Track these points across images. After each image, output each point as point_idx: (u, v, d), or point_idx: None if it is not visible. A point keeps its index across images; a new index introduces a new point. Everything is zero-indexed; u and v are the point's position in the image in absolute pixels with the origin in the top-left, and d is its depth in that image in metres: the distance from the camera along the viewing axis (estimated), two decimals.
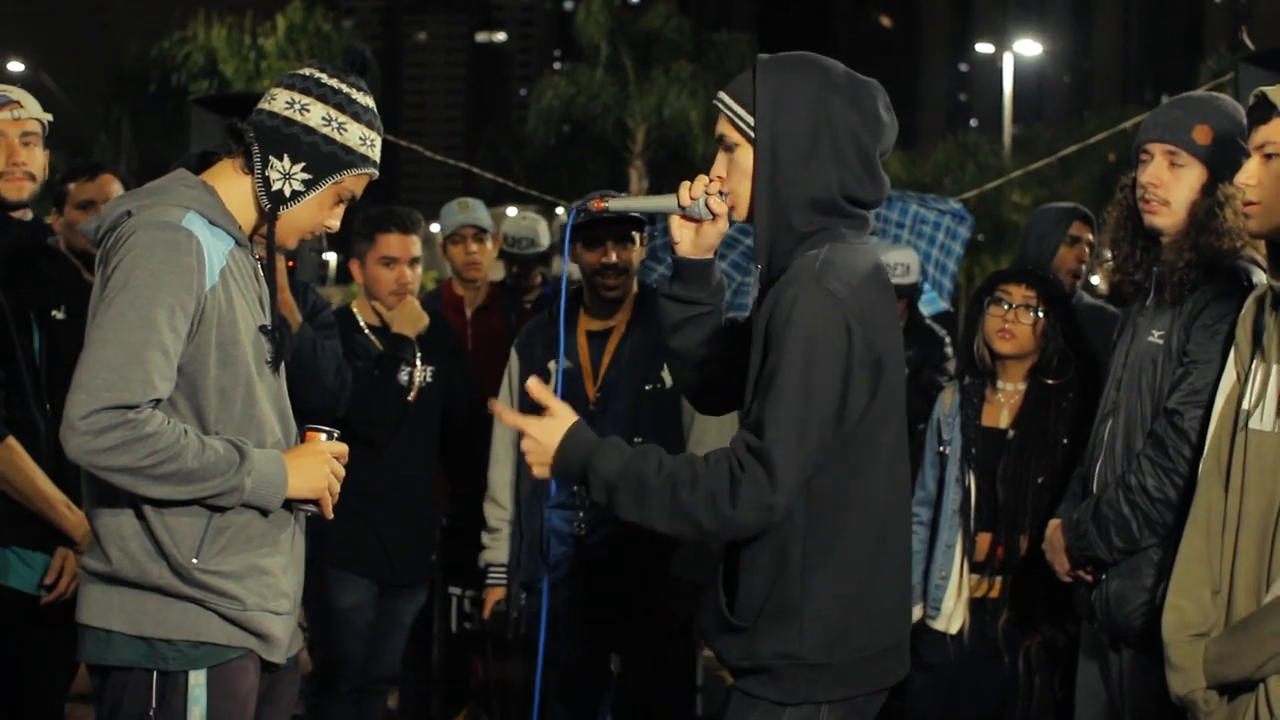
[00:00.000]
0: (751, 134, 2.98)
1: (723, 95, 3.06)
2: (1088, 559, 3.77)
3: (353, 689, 5.05)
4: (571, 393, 4.65)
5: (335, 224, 3.15)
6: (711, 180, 3.07)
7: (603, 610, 4.71)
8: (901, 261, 6.41)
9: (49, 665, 4.23)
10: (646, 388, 4.68)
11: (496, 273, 6.74)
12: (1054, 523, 3.96)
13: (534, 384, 2.94)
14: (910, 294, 6.43)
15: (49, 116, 4.19)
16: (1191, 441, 3.48)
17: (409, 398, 5.02)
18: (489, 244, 6.34)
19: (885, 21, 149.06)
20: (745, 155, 3.00)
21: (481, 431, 5.29)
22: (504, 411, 3.03)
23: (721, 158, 3.06)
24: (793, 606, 2.92)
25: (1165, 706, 3.30)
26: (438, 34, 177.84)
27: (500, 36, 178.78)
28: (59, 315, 4.16)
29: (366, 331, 5.08)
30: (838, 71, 3.01)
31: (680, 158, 34.79)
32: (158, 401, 2.82)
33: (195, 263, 2.86)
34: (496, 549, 4.97)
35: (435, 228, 7.07)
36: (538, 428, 2.92)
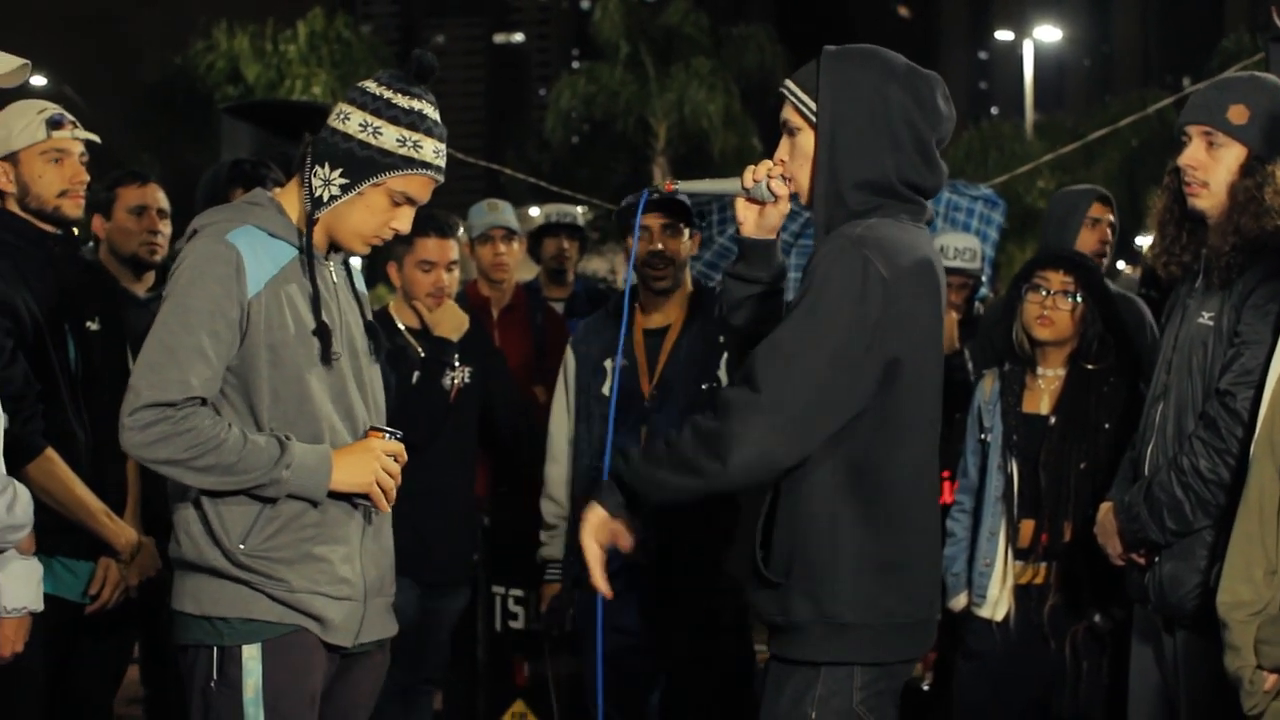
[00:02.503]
0: (813, 119, 3.14)
1: (788, 82, 3.23)
2: (1140, 541, 3.77)
3: (398, 688, 5.05)
4: (627, 390, 4.69)
5: (403, 226, 3.25)
6: (775, 163, 3.23)
7: (653, 606, 4.71)
8: (967, 246, 6.27)
9: (96, 672, 4.30)
10: (703, 387, 4.69)
11: (526, 272, 6.76)
12: (1105, 506, 3.96)
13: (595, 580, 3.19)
14: (973, 284, 6.28)
15: (96, 137, 4.24)
16: (1244, 422, 3.48)
17: (449, 400, 5.03)
18: (516, 245, 6.36)
19: (903, 11, 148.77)
20: (807, 139, 3.17)
21: (521, 431, 5.32)
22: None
23: (785, 142, 3.23)
24: (824, 564, 3.05)
25: (1220, 688, 3.32)
26: (455, 36, 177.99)
27: (518, 37, 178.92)
28: (93, 326, 4.21)
29: (405, 334, 5.09)
30: (898, 63, 3.18)
31: (702, 152, 34.75)
32: (203, 401, 3.07)
33: (234, 272, 3.08)
34: (553, 545, 5.00)
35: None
36: (588, 533, 3.15)
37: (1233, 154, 3.65)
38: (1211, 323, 3.65)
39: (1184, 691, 3.67)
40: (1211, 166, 3.67)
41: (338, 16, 33.07)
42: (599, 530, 3.13)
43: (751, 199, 3.28)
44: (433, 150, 3.20)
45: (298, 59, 30.73)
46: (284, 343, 3.13)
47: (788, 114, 3.20)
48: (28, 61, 3.06)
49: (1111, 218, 5.56)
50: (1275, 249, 3.55)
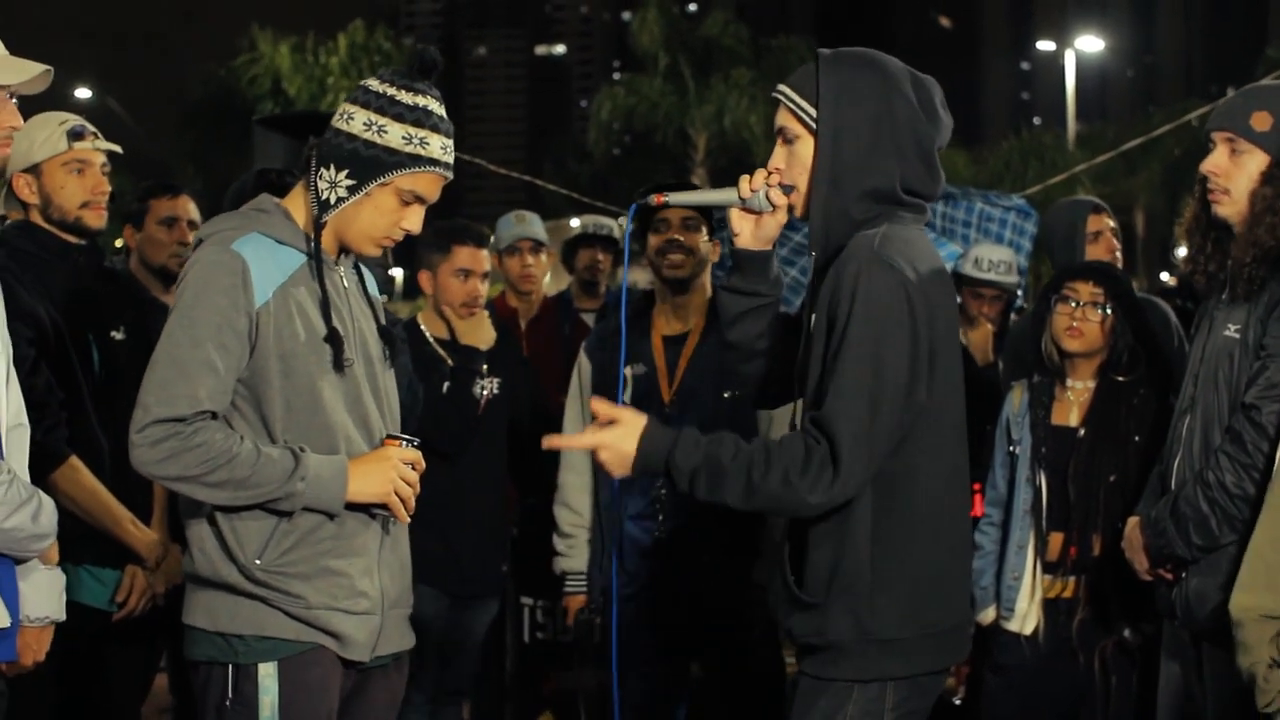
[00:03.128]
0: (814, 125, 3.03)
1: (784, 88, 3.12)
2: (1167, 556, 3.73)
3: (426, 699, 5.06)
4: (646, 397, 4.66)
5: (413, 226, 3.17)
6: (771, 172, 3.12)
7: (682, 618, 4.69)
8: (1002, 259, 6.19)
9: (124, 680, 4.30)
10: (725, 395, 4.65)
11: (560, 281, 6.77)
12: (1133, 520, 3.92)
13: (598, 405, 3.07)
14: (1008, 297, 6.22)
15: (117, 148, 4.27)
16: (1270, 436, 3.44)
17: (478, 410, 5.03)
18: (544, 257, 6.37)
19: (945, 22, 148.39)
20: (806, 147, 3.07)
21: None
22: (566, 440, 3.12)
23: (780, 150, 3.12)
24: (863, 581, 2.98)
25: (1248, 703, 3.28)
26: (497, 48, 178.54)
27: (559, 49, 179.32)
28: (118, 336, 4.22)
29: (434, 344, 5.09)
30: (898, 67, 3.09)
31: (743, 164, 34.74)
32: (213, 415, 3.01)
33: (240, 282, 3.01)
34: (573, 557, 4.96)
35: None
36: (611, 437, 3.02)
37: (1255, 161, 3.62)
38: (1237, 335, 3.61)
39: (1211, 707, 3.63)
40: (1233, 173, 3.64)
41: (378, 28, 33.25)
42: (622, 441, 3.00)
43: (748, 209, 3.17)
44: (440, 146, 3.12)
45: (339, 71, 30.90)
46: (295, 351, 3.06)
47: (784, 120, 3.09)
48: (49, 68, 3.07)
49: (1112, 224, 5.43)
50: None
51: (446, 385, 5.00)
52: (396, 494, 3.12)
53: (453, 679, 5.17)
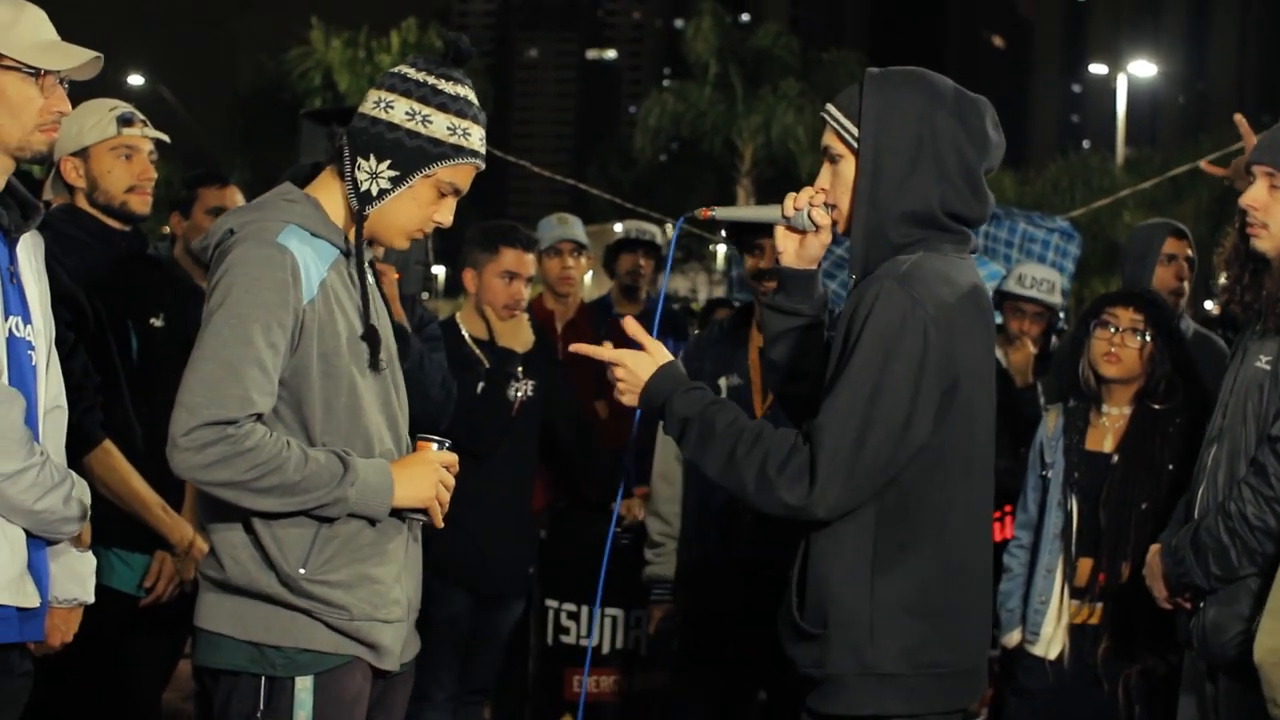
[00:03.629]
0: (855, 145, 3.00)
1: (830, 107, 3.08)
2: (1185, 586, 3.72)
3: (448, 698, 5.07)
4: (741, 408, 4.68)
5: (445, 219, 3.08)
6: (816, 192, 3.09)
7: (752, 639, 4.68)
8: (1045, 278, 6.17)
9: (148, 665, 4.31)
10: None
11: (600, 286, 6.78)
12: (1154, 548, 3.91)
13: (630, 323, 3.09)
14: (1050, 316, 6.18)
15: (165, 136, 4.30)
16: None
17: (512, 412, 5.04)
18: (584, 260, 6.38)
19: (997, 41, 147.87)
20: (849, 167, 3.03)
21: (581, 446, 5.32)
22: (591, 348, 3.14)
23: (826, 169, 3.09)
24: (862, 614, 2.91)
25: None
26: (548, 51, 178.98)
27: (610, 54, 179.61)
28: (157, 323, 4.23)
29: (471, 344, 5.10)
30: (946, 86, 3.03)
31: (788, 176, 34.72)
32: (259, 416, 2.87)
33: (290, 278, 2.89)
34: (661, 564, 4.95)
35: None
36: (632, 359, 3.05)
37: None
38: (1268, 367, 3.59)
39: None
40: (1272, 207, 3.63)
41: (431, 27, 33.37)
42: (640, 368, 3.03)
43: (792, 228, 3.13)
44: (479, 138, 3.04)
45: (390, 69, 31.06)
46: (336, 351, 2.95)
47: (829, 140, 3.05)
48: (99, 55, 3.08)
49: (1189, 252, 5.44)
50: None
51: (481, 385, 5.02)
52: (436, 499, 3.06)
53: (476, 678, 5.19)
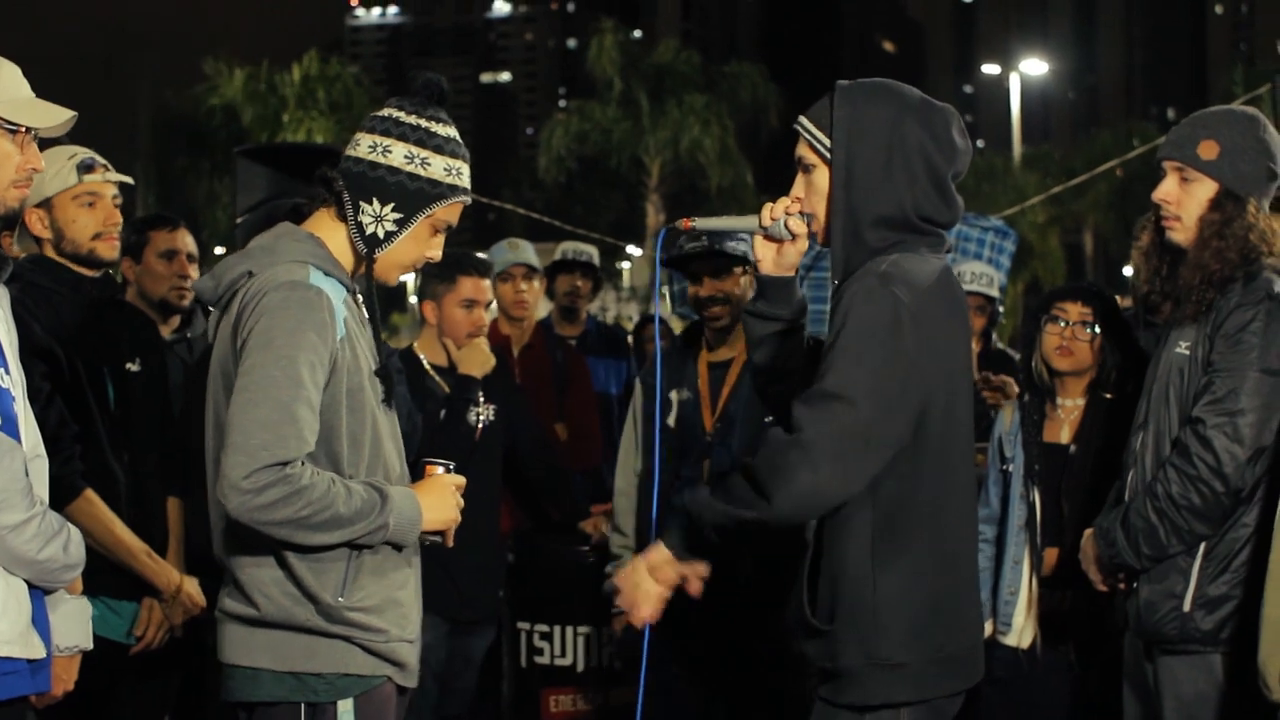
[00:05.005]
0: (829, 156, 3.11)
1: (802, 119, 3.20)
2: (1118, 566, 3.82)
3: None
4: (689, 423, 4.75)
5: (436, 254, 3.21)
6: (791, 201, 3.21)
7: (704, 640, 4.73)
8: (984, 272, 6.38)
9: (140, 713, 4.30)
10: (767, 420, 4.71)
11: (542, 312, 6.83)
12: (1088, 533, 4.00)
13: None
14: (990, 313, 6.36)
15: (129, 179, 4.29)
16: (1214, 449, 3.56)
17: (475, 438, 5.07)
18: (536, 283, 6.43)
19: (888, 46, 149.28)
20: (822, 176, 3.15)
21: (545, 468, 5.36)
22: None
23: (800, 179, 3.20)
24: (867, 607, 3.03)
25: (1197, 712, 3.48)
26: (443, 76, 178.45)
27: (505, 76, 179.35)
28: (133, 368, 4.22)
29: (433, 374, 5.13)
30: (912, 96, 3.15)
31: (696, 190, 34.89)
32: (309, 455, 2.95)
33: (328, 318, 2.99)
34: None
35: None
36: (643, 575, 3.16)
37: (1204, 189, 3.72)
38: (1188, 352, 3.72)
39: (1165, 715, 3.73)
40: (1184, 201, 3.75)
41: (332, 60, 33.19)
42: (660, 570, 3.13)
43: (769, 237, 3.25)
44: (468, 175, 3.19)
45: (294, 101, 30.85)
46: (359, 387, 3.06)
47: (802, 151, 3.18)
48: (75, 114, 3.11)
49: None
50: (1247, 279, 3.64)
51: (443, 413, 5.04)
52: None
53: (452, 704, 5.20)
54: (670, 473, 4.79)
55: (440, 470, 3.20)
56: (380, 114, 3.19)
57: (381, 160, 3.10)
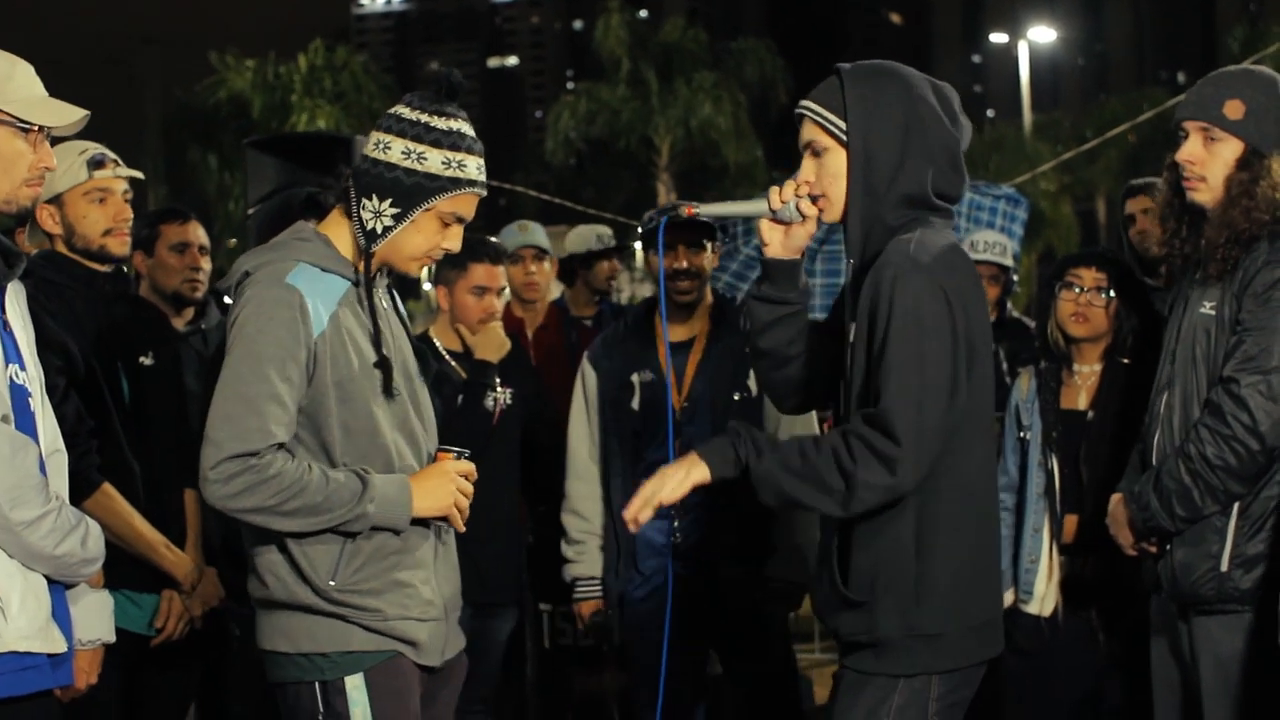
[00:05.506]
0: (844, 137, 3.13)
1: (809, 103, 3.22)
2: (1151, 530, 3.82)
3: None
4: (655, 404, 4.72)
5: (454, 245, 3.29)
6: (801, 184, 3.21)
7: (699, 617, 4.74)
8: (997, 241, 6.35)
9: (162, 704, 4.33)
10: (735, 397, 4.72)
11: (553, 293, 6.81)
12: (1116, 497, 4.00)
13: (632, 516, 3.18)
14: (1004, 282, 6.35)
15: (139, 174, 4.30)
16: (1248, 407, 3.56)
17: (492, 421, 5.08)
18: (547, 265, 6.42)
19: (896, 18, 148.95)
20: (836, 158, 3.17)
21: (559, 449, 5.36)
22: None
23: (809, 162, 3.21)
24: (910, 579, 3.08)
25: (1237, 670, 3.48)
26: (449, 61, 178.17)
27: (512, 60, 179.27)
28: (147, 361, 4.25)
29: (448, 358, 5.14)
30: (917, 76, 3.21)
31: (708, 167, 34.85)
32: (281, 445, 3.09)
33: (299, 315, 3.11)
34: (583, 562, 5.01)
35: None
36: (670, 481, 3.14)
37: (1230, 148, 3.72)
38: (1213, 312, 3.72)
39: (1202, 676, 3.73)
40: (1209, 161, 3.74)
41: (338, 49, 33.19)
42: (683, 484, 3.12)
43: (779, 220, 3.26)
44: (475, 167, 3.23)
45: (301, 91, 30.86)
46: (350, 378, 3.16)
47: (812, 134, 3.20)
48: (88, 112, 3.14)
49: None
50: (1269, 236, 3.64)
51: (460, 398, 5.05)
52: (454, 505, 3.25)
53: (476, 688, 5.18)
54: (629, 456, 4.80)
55: (452, 457, 3.27)
56: (390, 111, 3.28)
57: (381, 157, 3.20)
